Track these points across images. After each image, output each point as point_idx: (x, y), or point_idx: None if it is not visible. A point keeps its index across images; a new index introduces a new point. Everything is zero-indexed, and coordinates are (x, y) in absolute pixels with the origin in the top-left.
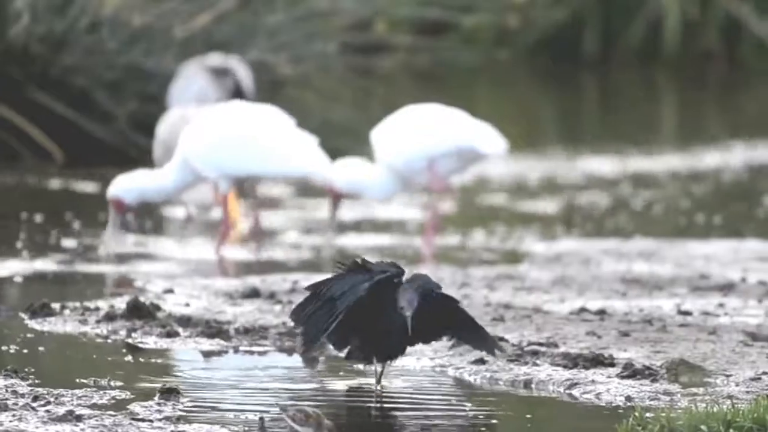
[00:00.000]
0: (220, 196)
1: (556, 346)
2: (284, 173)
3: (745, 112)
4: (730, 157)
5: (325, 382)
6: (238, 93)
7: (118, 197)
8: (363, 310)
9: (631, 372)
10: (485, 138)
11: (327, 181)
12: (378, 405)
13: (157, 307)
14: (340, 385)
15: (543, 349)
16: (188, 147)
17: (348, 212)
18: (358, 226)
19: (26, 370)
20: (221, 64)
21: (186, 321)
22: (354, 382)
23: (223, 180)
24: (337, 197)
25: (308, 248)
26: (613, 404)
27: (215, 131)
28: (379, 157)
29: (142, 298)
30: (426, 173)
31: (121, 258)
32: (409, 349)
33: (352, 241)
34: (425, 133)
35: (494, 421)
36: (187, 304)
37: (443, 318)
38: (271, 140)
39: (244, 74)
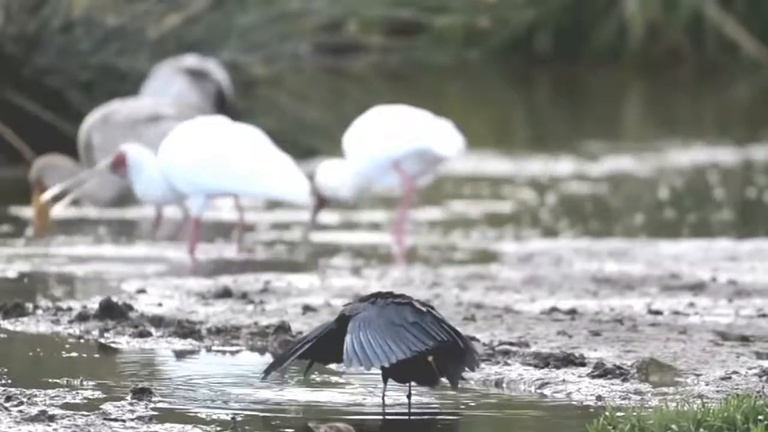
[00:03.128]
0: (193, 216)
1: (527, 345)
2: (262, 195)
3: (712, 111)
4: (700, 156)
5: (295, 383)
6: (219, 97)
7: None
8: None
9: (601, 371)
10: (441, 139)
11: (304, 203)
12: (349, 404)
13: (130, 307)
14: (307, 385)
15: (514, 348)
16: (166, 162)
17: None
18: (330, 226)
19: None
20: (199, 66)
21: (158, 321)
22: (323, 382)
23: (199, 197)
24: (320, 201)
25: (281, 247)
26: (584, 403)
27: (193, 149)
28: (348, 158)
29: (114, 298)
30: (392, 174)
31: (95, 258)
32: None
33: (324, 239)
34: (387, 135)
35: (465, 421)
36: (160, 304)
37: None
38: (250, 162)
39: (223, 77)
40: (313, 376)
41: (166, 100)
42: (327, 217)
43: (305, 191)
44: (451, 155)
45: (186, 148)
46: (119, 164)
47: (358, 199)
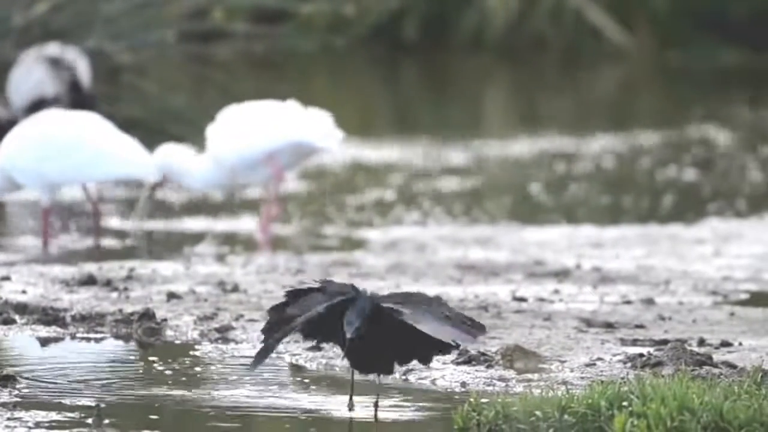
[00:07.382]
0: (42, 209)
1: None
2: (109, 177)
3: (575, 98)
4: (563, 142)
5: (159, 369)
6: (74, 85)
7: None
8: (319, 327)
9: (466, 358)
10: (320, 132)
11: (152, 178)
12: (207, 390)
13: None
14: (172, 369)
15: None
16: (6, 160)
17: (180, 196)
18: (191, 211)
19: None
20: (59, 54)
21: (23, 308)
22: (190, 369)
23: (45, 191)
24: (156, 183)
25: (145, 235)
26: (449, 390)
27: (32, 144)
28: (210, 149)
29: None
30: (261, 168)
31: None
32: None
33: (186, 226)
34: (261, 129)
35: (329, 407)
36: (24, 292)
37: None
38: (92, 146)
39: (82, 65)
40: (179, 366)
41: None
42: (187, 199)
43: (151, 167)
44: (331, 148)
45: (25, 144)
46: None
47: (222, 194)
